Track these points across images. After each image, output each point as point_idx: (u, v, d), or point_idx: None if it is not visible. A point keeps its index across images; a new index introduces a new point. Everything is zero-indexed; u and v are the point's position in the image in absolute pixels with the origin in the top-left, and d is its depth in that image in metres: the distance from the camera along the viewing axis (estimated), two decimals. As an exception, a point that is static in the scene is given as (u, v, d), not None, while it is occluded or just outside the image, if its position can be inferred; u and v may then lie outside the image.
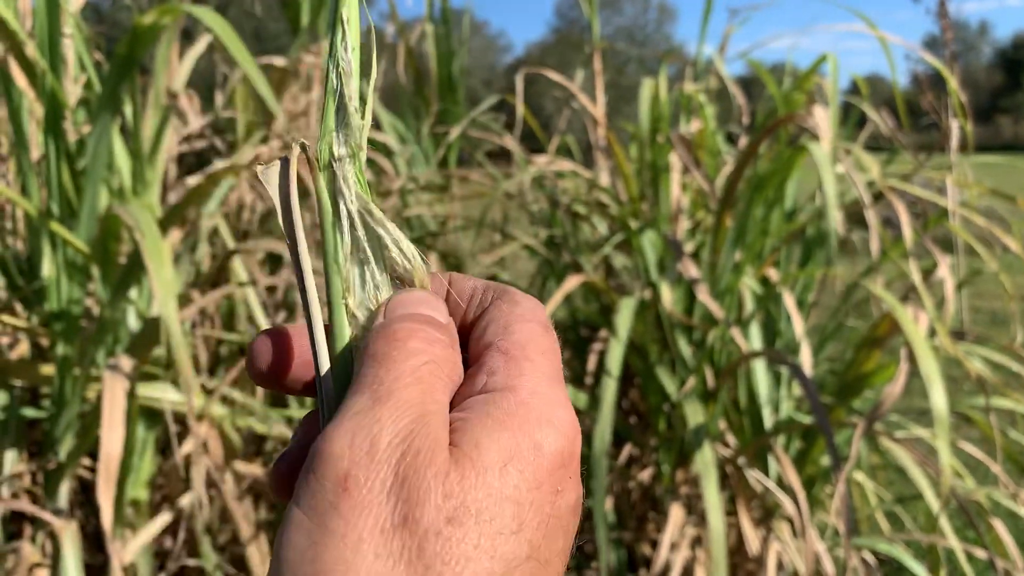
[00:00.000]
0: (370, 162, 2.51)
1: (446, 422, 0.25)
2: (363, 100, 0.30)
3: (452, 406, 0.27)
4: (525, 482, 0.24)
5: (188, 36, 2.24)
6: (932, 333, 1.46)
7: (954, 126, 1.68)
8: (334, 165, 0.30)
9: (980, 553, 1.60)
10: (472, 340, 0.29)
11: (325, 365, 0.29)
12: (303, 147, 0.30)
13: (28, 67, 1.26)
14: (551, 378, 0.27)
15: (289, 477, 0.29)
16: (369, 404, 0.25)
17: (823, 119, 1.51)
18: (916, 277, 1.44)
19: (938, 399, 1.20)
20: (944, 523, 1.56)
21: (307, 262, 0.30)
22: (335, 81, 0.30)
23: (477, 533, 0.23)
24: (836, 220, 1.35)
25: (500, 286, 0.31)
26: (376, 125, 2.55)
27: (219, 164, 2.02)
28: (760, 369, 1.66)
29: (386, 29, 2.89)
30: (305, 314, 0.30)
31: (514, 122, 2.26)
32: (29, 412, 1.35)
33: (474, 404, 0.26)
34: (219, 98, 2.44)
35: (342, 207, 0.30)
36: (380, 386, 0.25)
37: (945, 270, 1.51)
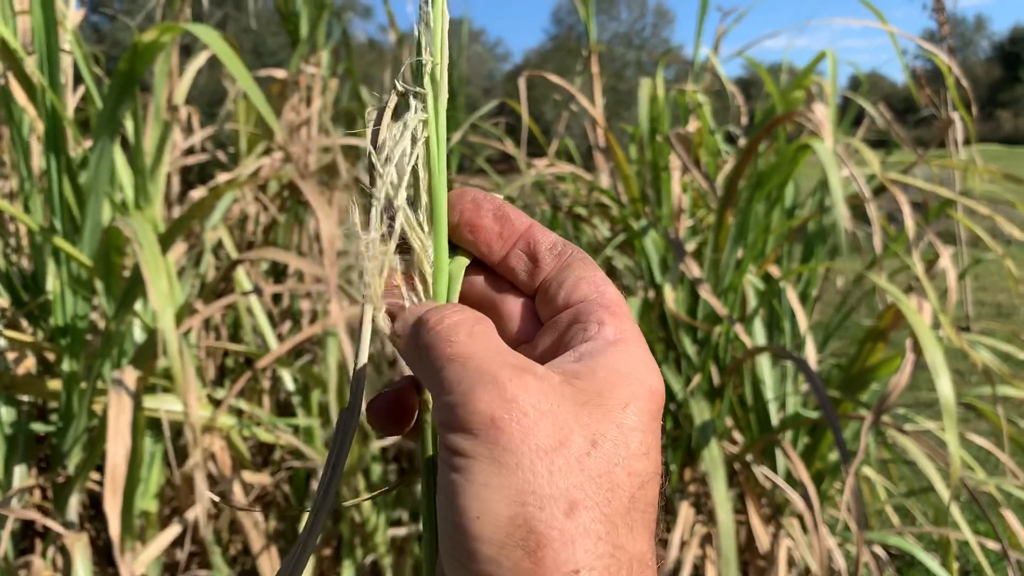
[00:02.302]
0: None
1: (527, 361, 0.28)
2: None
3: (565, 347, 0.31)
4: (647, 415, 0.28)
5: (187, 51, 2.25)
6: (936, 324, 1.46)
7: (955, 117, 1.68)
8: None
9: (992, 545, 1.60)
10: (559, 289, 0.33)
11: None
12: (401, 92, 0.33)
13: (28, 84, 1.26)
14: (641, 333, 0.32)
15: (385, 413, 0.33)
16: (462, 369, 0.27)
17: (824, 116, 1.51)
18: (919, 268, 1.44)
19: (945, 388, 1.20)
20: (956, 515, 1.56)
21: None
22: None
23: (615, 453, 0.27)
24: (844, 218, 1.35)
25: (578, 248, 0.34)
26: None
27: (222, 177, 2.03)
28: (765, 365, 1.66)
29: (386, 39, 2.89)
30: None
31: (514, 127, 2.26)
32: (37, 427, 1.36)
33: (593, 351, 0.30)
34: (224, 109, 2.45)
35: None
36: (459, 354, 0.28)
37: (947, 260, 1.51)
